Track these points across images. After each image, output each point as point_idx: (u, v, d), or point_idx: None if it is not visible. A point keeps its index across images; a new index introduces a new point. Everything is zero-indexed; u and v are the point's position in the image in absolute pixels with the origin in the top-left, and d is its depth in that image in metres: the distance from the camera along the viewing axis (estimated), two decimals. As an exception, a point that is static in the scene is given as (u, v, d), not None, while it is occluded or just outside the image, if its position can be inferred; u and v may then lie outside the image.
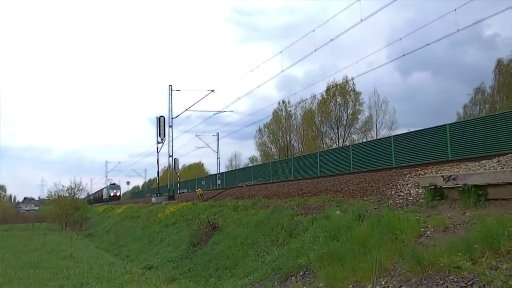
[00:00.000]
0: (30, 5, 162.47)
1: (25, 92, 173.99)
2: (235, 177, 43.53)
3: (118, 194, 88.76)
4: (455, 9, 16.44)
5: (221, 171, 52.39)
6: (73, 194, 47.26)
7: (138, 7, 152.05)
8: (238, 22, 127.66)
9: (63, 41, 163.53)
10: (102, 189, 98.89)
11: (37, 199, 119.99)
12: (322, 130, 54.33)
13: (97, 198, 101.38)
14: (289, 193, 16.31)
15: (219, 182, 46.69)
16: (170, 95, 34.98)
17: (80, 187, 48.90)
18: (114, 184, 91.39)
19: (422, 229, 7.03)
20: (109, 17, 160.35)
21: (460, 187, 7.84)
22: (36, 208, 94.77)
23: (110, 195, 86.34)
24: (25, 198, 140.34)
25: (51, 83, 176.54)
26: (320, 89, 63.02)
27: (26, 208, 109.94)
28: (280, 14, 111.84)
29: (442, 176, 8.50)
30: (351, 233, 8.17)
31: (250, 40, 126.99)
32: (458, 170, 10.46)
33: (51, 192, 48.69)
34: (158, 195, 36.81)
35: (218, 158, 54.07)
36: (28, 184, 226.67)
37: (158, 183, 39.74)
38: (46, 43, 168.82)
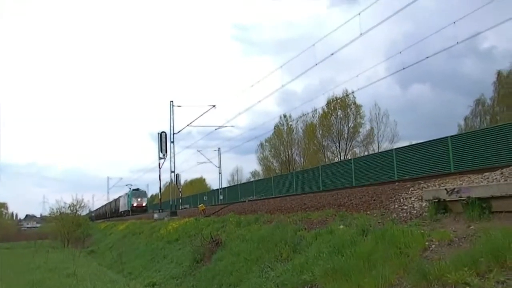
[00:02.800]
0: (32, 18, 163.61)
1: (26, 108, 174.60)
2: (237, 192, 43.46)
3: (144, 204, 62.70)
4: (455, 22, 16.54)
5: (223, 186, 52.33)
6: (75, 211, 47.27)
7: (140, 24, 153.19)
8: (236, 38, 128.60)
9: (65, 57, 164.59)
10: (117, 199, 75.84)
11: (38, 216, 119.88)
12: (323, 143, 54.35)
13: (106, 213, 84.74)
14: (292, 207, 16.26)
15: (221, 197, 46.61)
16: (172, 111, 35.10)
17: (82, 204, 48.86)
18: (137, 189, 64.60)
19: (426, 243, 7.00)
20: (110, 32, 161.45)
21: (463, 200, 7.81)
22: (38, 225, 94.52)
23: (132, 206, 61.21)
24: (26, 215, 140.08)
25: (51, 99, 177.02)
26: (320, 103, 63.18)
27: (28, 226, 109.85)
28: (277, 29, 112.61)
29: (446, 189, 8.48)
30: (356, 248, 8.14)
31: (248, 55, 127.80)
32: (461, 182, 10.43)
33: (53, 209, 48.70)
34: (161, 211, 36.71)
35: (220, 173, 53.96)
36: (30, 201, 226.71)
37: (160, 199, 39.64)
38: (48, 58, 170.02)
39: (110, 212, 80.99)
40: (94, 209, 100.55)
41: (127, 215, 60.32)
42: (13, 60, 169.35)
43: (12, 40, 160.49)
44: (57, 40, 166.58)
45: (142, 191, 65.66)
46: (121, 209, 69.19)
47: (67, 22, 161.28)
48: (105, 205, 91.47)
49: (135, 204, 60.88)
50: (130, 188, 67.13)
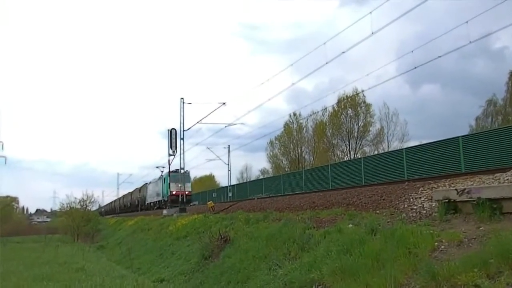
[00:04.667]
0: (45, 21, 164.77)
1: (36, 104, 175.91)
2: (246, 189, 43.46)
3: (188, 192, 44.12)
4: (467, 22, 16.39)
5: (232, 184, 52.36)
6: (85, 206, 47.66)
7: (151, 23, 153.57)
8: (246, 36, 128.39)
9: (76, 54, 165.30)
10: (142, 188, 60.71)
11: (49, 210, 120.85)
12: (333, 142, 54.22)
13: (122, 207, 74.93)
14: (301, 206, 16.25)
15: (230, 194, 46.64)
16: (182, 108, 35.13)
17: (92, 199, 49.21)
18: (176, 171, 42.43)
19: (436, 243, 6.96)
20: (122, 30, 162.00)
21: (474, 200, 7.76)
22: (48, 219, 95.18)
23: (172, 194, 43.14)
24: (37, 210, 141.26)
25: (62, 96, 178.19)
26: (330, 102, 63.05)
27: (38, 220, 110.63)
28: (287, 28, 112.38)
29: (456, 189, 8.43)
30: (364, 247, 8.12)
31: (258, 53, 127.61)
32: (471, 183, 10.36)
33: (63, 204, 49.12)
34: (169, 207, 36.83)
35: (229, 170, 53.99)
36: (40, 196, 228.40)
37: (170, 195, 39.78)
38: (60, 55, 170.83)
39: (128, 206, 69.15)
40: (104, 204, 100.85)
41: (159, 207, 46.09)
42: (25, 57, 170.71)
43: (24, 36, 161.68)
44: (69, 37, 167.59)
45: (185, 173, 44.18)
46: (149, 200, 54.29)
47: (80, 19, 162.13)
48: (121, 197, 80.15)
49: (174, 192, 43.04)
50: (162, 172, 49.63)
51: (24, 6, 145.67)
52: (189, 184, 45.50)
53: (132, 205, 66.01)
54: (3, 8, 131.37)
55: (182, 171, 39.05)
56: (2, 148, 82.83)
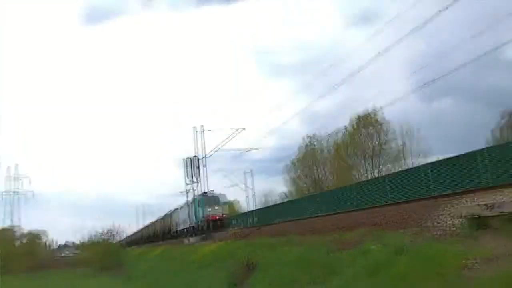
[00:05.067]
0: (63, 53, 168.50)
1: (57, 136, 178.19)
2: (267, 213, 43.28)
3: (220, 216, 40.23)
4: (480, 32, 16.37)
5: (254, 208, 52.17)
6: (106, 239, 48.01)
7: (166, 50, 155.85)
8: (257, 61, 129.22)
9: (94, 83, 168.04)
10: (172, 214, 54.23)
11: (76, 242, 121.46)
12: (353, 162, 53.84)
13: (149, 235, 69.33)
14: (324, 228, 16.13)
15: (256, 219, 46.44)
16: (201, 135, 35.55)
17: (114, 232, 49.51)
18: (208, 194, 40.45)
19: (463, 261, 6.86)
20: (135, 58, 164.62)
21: (505, 215, 7.59)
22: (76, 251, 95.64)
23: (207, 219, 38.82)
24: (65, 244, 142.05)
25: (82, 127, 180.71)
26: (345, 121, 62.74)
27: (66, 253, 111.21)
28: (295, 50, 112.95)
29: (484, 204, 8.30)
30: (392, 268, 8.03)
31: (270, 77, 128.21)
32: (501, 197, 10.19)
33: (85, 238, 49.55)
34: (192, 236, 36.83)
35: (254, 194, 53.83)
36: (67, 229, 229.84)
37: (205, 220, 39.66)
38: (75, 86, 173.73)
39: (155, 235, 64.60)
40: (127, 235, 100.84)
41: (192, 234, 40.84)
42: (44, 88, 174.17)
43: (41, 79, 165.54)
44: (86, 70, 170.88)
45: (219, 195, 42.53)
46: (181, 227, 47.89)
47: (101, 46, 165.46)
48: (146, 227, 76.37)
49: (210, 216, 39.07)
50: (199, 194, 41.41)
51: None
52: (225, 207, 42.53)
53: (159, 233, 61.98)
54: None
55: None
56: (30, 183, 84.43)
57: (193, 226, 41.35)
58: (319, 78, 24.30)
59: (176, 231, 49.25)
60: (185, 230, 45.06)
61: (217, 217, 39.84)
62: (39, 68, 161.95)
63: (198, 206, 40.19)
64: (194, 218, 41.10)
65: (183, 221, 45.63)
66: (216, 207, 40.21)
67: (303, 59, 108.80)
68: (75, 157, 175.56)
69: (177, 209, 51.31)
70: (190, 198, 39.81)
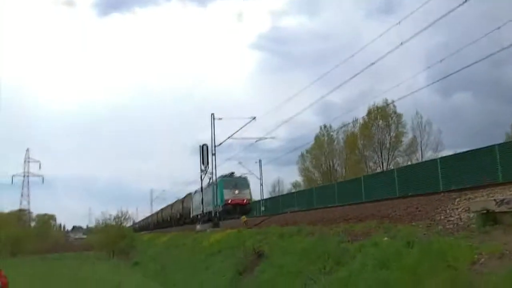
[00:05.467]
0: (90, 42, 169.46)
1: (71, 122, 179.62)
2: (278, 203, 43.38)
3: (246, 200, 36.42)
4: (499, 27, 16.07)
5: (264, 198, 52.24)
6: (119, 223, 48.38)
7: (178, 40, 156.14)
8: (273, 51, 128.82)
9: (108, 70, 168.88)
10: (185, 198, 51.80)
11: (85, 227, 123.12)
12: (365, 154, 53.71)
13: (160, 221, 68.64)
14: (334, 219, 16.10)
15: (263, 208, 46.54)
16: (213, 123, 35.31)
17: (127, 216, 49.87)
18: (231, 175, 38.19)
19: (475, 256, 6.79)
20: (148, 48, 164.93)
21: (513, 211, 7.55)
22: (84, 236, 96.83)
23: (227, 202, 35.44)
24: (73, 227, 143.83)
25: (95, 113, 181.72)
26: (359, 113, 62.47)
27: (75, 237, 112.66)
28: (314, 41, 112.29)
29: (495, 199, 8.22)
30: (401, 261, 7.98)
31: (286, 68, 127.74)
32: (511, 193, 10.08)
33: (98, 221, 50.03)
34: (203, 222, 36.93)
35: (261, 184, 53.59)
36: (76, 213, 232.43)
37: (203, 211, 39.85)
38: (90, 70, 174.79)
39: (168, 220, 62.55)
40: (138, 220, 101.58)
41: (208, 220, 36.75)
42: (56, 73, 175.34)
43: (63, 52, 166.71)
44: (99, 57, 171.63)
45: (242, 177, 38.39)
46: (194, 212, 44.42)
47: (114, 39, 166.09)
48: (159, 211, 75.53)
49: (229, 200, 35.14)
50: (209, 179, 37.10)
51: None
52: (248, 191, 37.61)
53: (172, 219, 59.33)
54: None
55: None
56: (40, 167, 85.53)
57: (217, 211, 36.01)
58: (336, 69, 23.90)
59: (197, 215, 43.40)
60: (205, 214, 39.46)
61: (244, 201, 35.93)
62: (51, 50, 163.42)
63: (223, 188, 36.08)
64: (214, 202, 36.16)
65: (205, 205, 39.43)
66: (241, 190, 36.21)
67: (321, 49, 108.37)
68: (87, 143, 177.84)
69: (190, 193, 48.43)
70: (205, 184, 37.89)
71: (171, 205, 63.30)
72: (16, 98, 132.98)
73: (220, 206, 35.66)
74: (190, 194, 49.33)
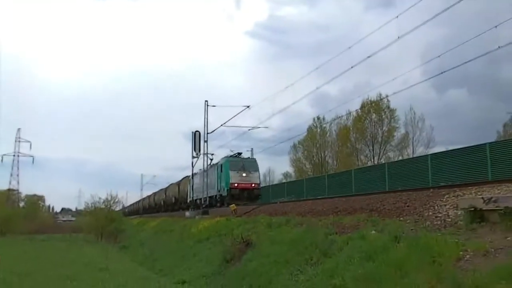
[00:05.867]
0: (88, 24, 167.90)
1: (63, 103, 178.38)
2: (268, 193, 43.47)
3: (255, 184, 32.57)
4: (496, 26, 16.09)
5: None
6: (109, 206, 48.29)
7: (174, 25, 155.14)
8: (271, 40, 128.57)
9: (101, 54, 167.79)
10: (187, 179, 45.48)
11: (74, 210, 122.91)
12: (357, 147, 53.89)
13: (152, 206, 67.46)
14: (323, 211, 16.15)
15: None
16: (206, 110, 35.20)
17: (116, 200, 49.80)
18: (238, 155, 34.52)
19: (461, 253, 6.85)
20: (142, 33, 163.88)
21: (501, 209, 7.62)
22: (73, 219, 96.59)
23: (233, 186, 31.49)
24: (62, 209, 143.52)
25: (88, 96, 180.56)
26: (354, 106, 62.49)
27: (63, 219, 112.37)
28: (312, 31, 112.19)
29: (482, 198, 8.29)
30: (387, 255, 8.04)
31: (283, 57, 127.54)
32: (498, 191, 10.16)
33: (88, 204, 49.92)
34: (193, 209, 36.95)
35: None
36: (66, 195, 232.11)
37: (193, 197, 39.88)
38: (82, 54, 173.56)
39: (161, 204, 60.57)
40: (128, 204, 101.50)
41: (210, 205, 33.32)
42: (50, 52, 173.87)
43: (56, 36, 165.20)
44: (93, 39, 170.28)
45: (251, 159, 34.69)
46: (194, 196, 39.40)
47: (111, 23, 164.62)
48: (151, 195, 73.64)
49: (236, 184, 31.14)
50: (210, 160, 35.47)
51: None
52: (257, 174, 33.45)
53: (166, 204, 56.85)
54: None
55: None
56: (30, 148, 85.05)
57: (221, 195, 33.24)
58: (333, 60, 23.86)
59: (188, 201, 40.82)
60: (207, 199, 35.67)
61: (252, 185, 31.71)
62: (48, 30, 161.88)
63: (229, 170, 32.00)
64: (218, 186, 33.35)
65: (207, 188, 35.45)
66: (250, 173, 31.72)
67: (320, 40, 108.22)
68: (80, 125, 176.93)
69: (188, 176, 43.71)
70: (196, 170, 37.30)
71: (165, 189, 60.76)
72: (10, 77, 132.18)
73: (225, 190, 31.96)
74: (187, 177, 44.81)
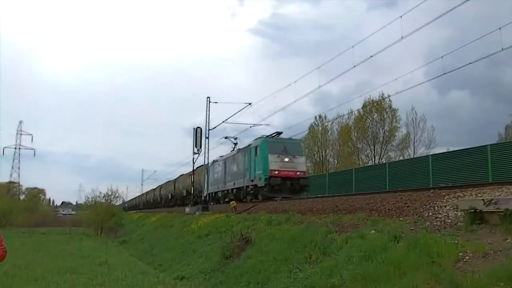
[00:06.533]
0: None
1: (66, 98, 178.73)
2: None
3: (300, 173, 24.98)
4: (500, 28, 16.08)
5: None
6: (109, 200, 48.36)
7: (177, 22, 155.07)
8: (273, 38, 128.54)
9: (102, 48, 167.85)
10: (204, 167, 35.80)
11: (74, 204, 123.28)
12: (358, 146, 53.86)
13: (163, 198, 61.55)
14: (323, 209, 16.16)
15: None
16: (208, 107, 35.22)
17: (116, 194, 49.86)
18: (278, 134, 27.16)
19: (460, 254, 6.86)
20: (146, 29, 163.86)
21: (501, 211, 7.62)
22: (73, 212, 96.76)
23: (272, 174, 24.25)
24: (63, 203, 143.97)
25: (90, 91, 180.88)
26: (355, 105, 62.43)
27: (63, 212, 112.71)
28: (315, 30, 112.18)
29: (483, 199, 8.29)
30: (386, 254, 8.06)
31: (285, 55, 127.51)
32: (499, 193, 10.16)
33: (88, 198, 49.98)
34: (193, 205, 36.96)
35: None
36: (67, 189, 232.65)
37: (193, 193, 39.88)
38: (85, 49, 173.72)
39: (169, 198, 56.39)
40: (128, 199, 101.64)
41: (233, 199, 28.06)
42: (53, 47, 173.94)
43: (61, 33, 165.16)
44: (97, 36, 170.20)
45: (295, 140, 28.09)
46: (211, 189, 34.88)
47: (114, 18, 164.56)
48: (156, 188, 69.96)
49: (277, 171, 24.83)
50: (234, 145, 32.61)
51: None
52: (303, 159, 27.42)
53: (175, 198, 52.80)
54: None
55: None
56: (31, 141, 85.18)
57: (255, 185, 26.70)
58: (335, 59, 23.83)
59: (205, 195, 34.39)
60: (217, 194, 31.94)
61: (297, 174, 25.34)
62: (50, 22, 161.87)
63: (268, 153, 25.34)
64: (251, 174, 27.01)
65: (216, 182, 32.21)
66: (294, 158, 25.45)
67: (322, 38, 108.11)
68: (82, 120, 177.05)
69: (216, 160, 36.63)
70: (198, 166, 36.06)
71: (174, 181, 56.33)
72: (12, 70, 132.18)
73: (262, 180, 25.24)
74: (201, 166, 38.39)
